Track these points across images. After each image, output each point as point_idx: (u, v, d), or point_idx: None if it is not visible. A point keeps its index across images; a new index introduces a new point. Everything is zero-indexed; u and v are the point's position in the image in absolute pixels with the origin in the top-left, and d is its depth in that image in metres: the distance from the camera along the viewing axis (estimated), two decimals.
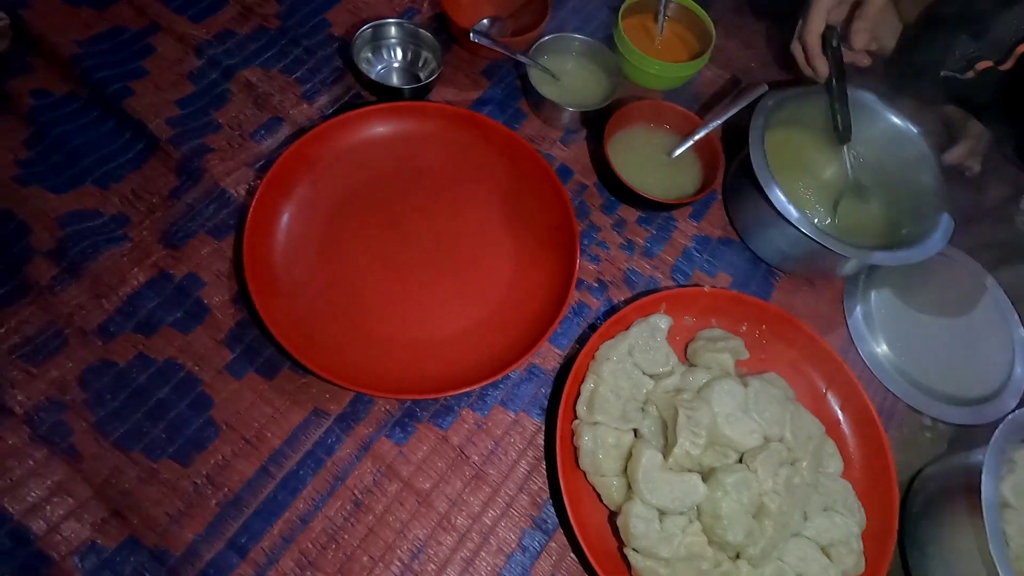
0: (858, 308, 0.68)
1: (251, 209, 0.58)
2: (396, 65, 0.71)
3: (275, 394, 0.55)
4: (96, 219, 0.58)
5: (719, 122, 0.66)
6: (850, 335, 0.67)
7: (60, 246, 0.56)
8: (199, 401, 0.54)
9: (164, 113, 0.64)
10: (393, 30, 0.70)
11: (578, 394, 0.56)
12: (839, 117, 0.66)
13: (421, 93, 0.68)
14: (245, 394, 0.55)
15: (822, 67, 0.66)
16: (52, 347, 0.53)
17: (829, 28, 0.66)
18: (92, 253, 0.57)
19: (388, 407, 0.56)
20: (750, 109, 0.66)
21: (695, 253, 0.68)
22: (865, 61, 0.67)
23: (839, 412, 0.61)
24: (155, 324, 0.56)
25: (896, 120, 0.68)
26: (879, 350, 0.66)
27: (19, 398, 0.51)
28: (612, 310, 0.63)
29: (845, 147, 0.67)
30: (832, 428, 0.59)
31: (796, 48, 0.70)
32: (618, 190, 0.66)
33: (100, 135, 0.63)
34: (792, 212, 0.60)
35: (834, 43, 0.66)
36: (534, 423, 0.58)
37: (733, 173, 0.68)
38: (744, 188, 0.65)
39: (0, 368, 0.51)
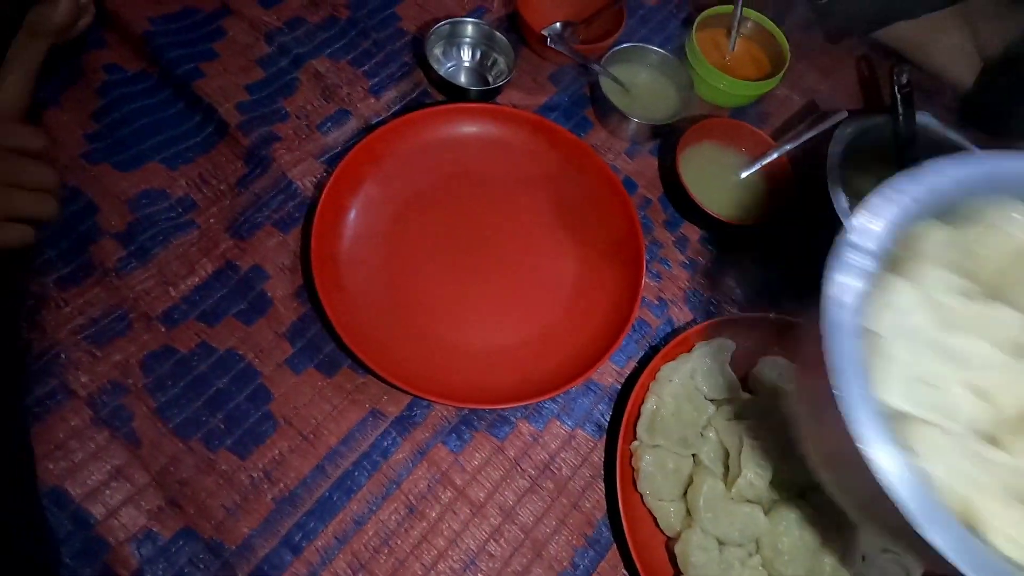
0: None
1: (319, 204, 0.56)
2: (466, 64, 0.70)
3: (334, 392, 0.54)
4: (163, 201, 0.57)
5: (792, 146, 0.65)
6: None
7: (129, 230, 0.55)
8: (258, 394, 0.53)
9: (234, 98, 0.63)
10: (469, 28, 0.68)
11: (638, 414, 0.55)
12: (903, 152, 0.64)
13: (490, 95, 0.67)
14: (304, 389, 0.54)
15: None
16: (116, 330, 0.52)
17: (897, 64, 0.64)
18: (162, 240, 0.55)
19: (446, 413, 0.55)
20: (826, 135, 0.64)
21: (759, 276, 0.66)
22: None
23: None
24: (219, 314, 0.54)
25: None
26: None
27: (82, 380, 0.50)
28: (674, 331, 0.62)
29: None
30: None
31: None
32: (684, 207, 0.65)
33: (169, 116, 0.61)
34: None
35: (903, 80, 0.64)
36: (590, 440, 0.56)
37: (804, 196, 0.66)
38: (815, 212, 0.63)
39: (65, 348, 0.50)
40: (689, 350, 0.58)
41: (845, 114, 0.64)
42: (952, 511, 0.33)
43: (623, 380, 0.59)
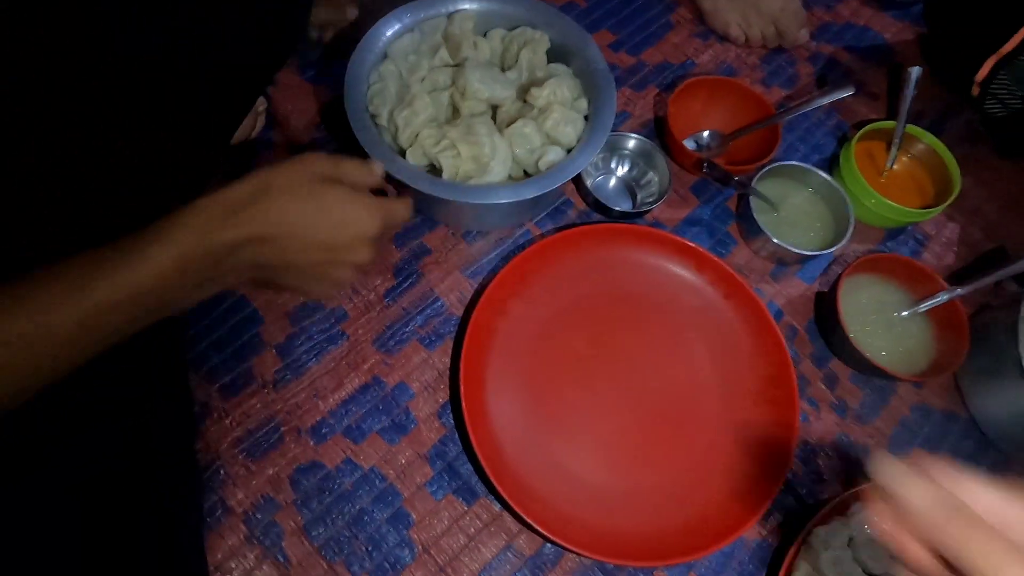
0: None
1: (469, 325, 0.54)
2: (619, 175, 0.66)
3: (471, 521, 0.52)
4: (318, 312, 0.57)
5: (967, 290, 0.57)
6: None
7: (288, 342, 0.56)
8: (399, 517, 0.51)
9: None
10: (631, 143, 0.65)
11: None
12: None
13: (641, 215, 0.63)
14: (443, 516, 0.52)
15: None
16: (269, 443, 0.52)
17: None
18: (316, 353, 0.55)
19: (581, 559, 0.52)
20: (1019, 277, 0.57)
21: (914, 425, 0.59)
22: None
23: None
24: (365, 431, 0.54)
25: None
26: None
27: (239, 496, 0.50)
28: (824, 488, 0.55)
29: None
30: None
31: None
32: (840, 346, 0.59)
33: None
34: None
35: None
36: None
37: (977, 346, 0.58)
38: (991, 369, 0.56)
39: (224, 462, 0.51)
40: (845, 512, 0.52)
41: None
42: None
43: (765, 535, 0.54)
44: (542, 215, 0.64)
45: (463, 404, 0.52)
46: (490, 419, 0.54)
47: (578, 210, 0.65)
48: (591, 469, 0.54)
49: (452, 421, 0.55)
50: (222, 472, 0.50)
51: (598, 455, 0.54)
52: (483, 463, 0.50)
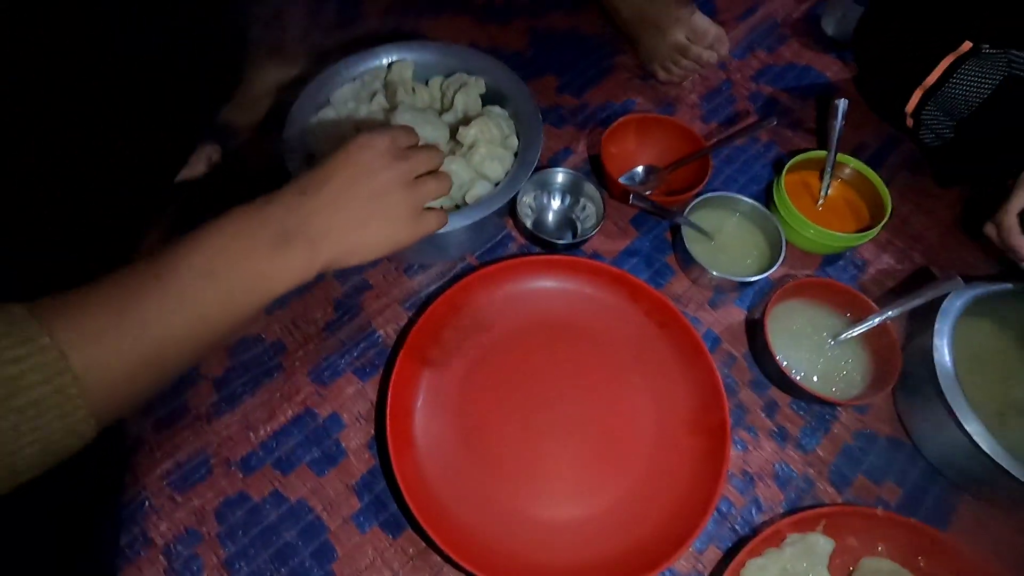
0: None
1: (399, 354, 0.54)
2: (555, 209, 0.68)
3: (396, 556, 0.50)
4: (258, 346, 0.58)
5: (897, 312, 0.56)
6: None
7: (226, 375, 0.56)
8: (323, 551, 0.50)
9: None
10: (560, 177, 0.66)
11: None
12: None
13: (576, 247, 0.64)
14: (367, 550, 0.50)
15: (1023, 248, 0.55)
16: (198, 476, 0.52)
17: None
18: (252, 386, 0.55)
19: None
20: (937, 300, 0.55)
21: (858, 452, 0.56)
22: None
23: None
24: (294, 462, 0.53)
25: None
26: None
27: (162, 528, 0.49)
28: (761, 519, 0.53)
29: None
30: None
31: (990, 229, 0.59)
32: (773, 373, 0.57)
33: None
34: (983, 435, 0.49)
35: None
36: None
37: (909, 370, 0.56)
38: (923, 390, 0.54)
39: (150, 494, 0.50)
40: (779, 544, 0.49)
41: (960, 282, 0.55)
42: None
43: (701, 569, 0.51)
44: (483, 249, 0.65)
45: (388, 435, 0.51)
46: (417, 450, 0.53)
47: (519, 244, 0.66)
48: (522, 502, 0.52)
49: (381, 452, 0.54)
50: (147, 504, 0.50)
51: (530, 487, 0.53)
52: (405, 495, 0.49)
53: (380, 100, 0.61)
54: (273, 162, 0.68)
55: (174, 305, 0.33)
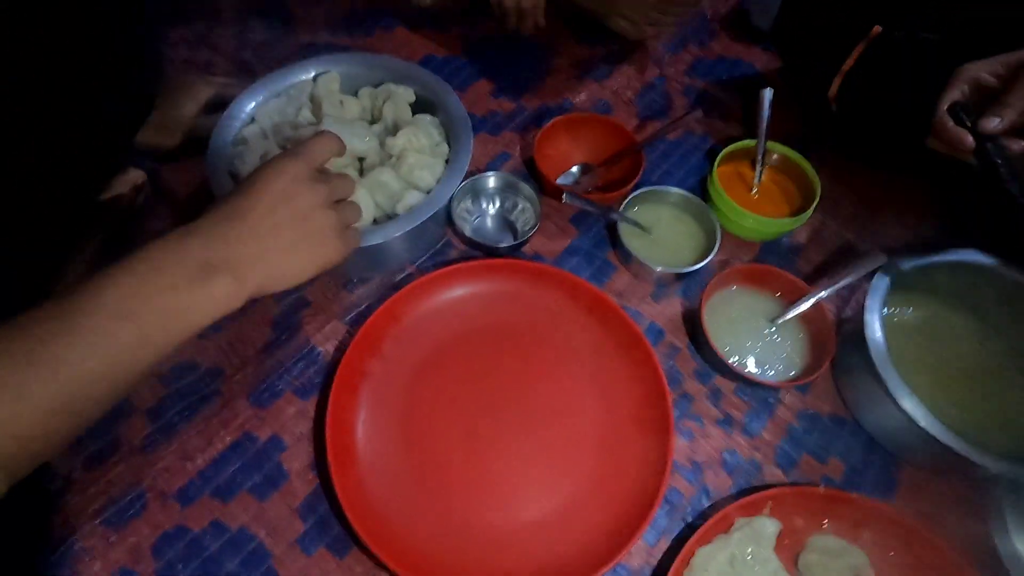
0: (1006, 509, 0.54)
1: (338, 370, 0.53)
2: (492, 213, 0.67)
3: None
4: (192, 373, 0.56)
5: (828, 292, 0.57)
6: (993, 539, 0.53)
7: (160, 405, 0.54)
8: None
9: None
10: (491, 180, 0.66)
11: None
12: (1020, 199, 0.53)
13: (516, 249, 0.63)
14: (313, 573, 0.49)
15: (964, 138, 0.52)
16: (133, 511, 0.49)
17: (961, 104, 0.54)
18: (188, 415, 0.54)
19: None
20: (869, 275, 0.56)
21: (801, 433, 0.57)
22: (1016, 147, 0.54)
23: None
24: (233, 489, 0.51)
25: None
26: None
27: (95, 569, 0.47)
28: (711, 504, 0.53)
29: None
30: None
31: (931, 141, 0.56)
32: (714, 361, 0.58)
33: None
34: (917, 409, 0.49)
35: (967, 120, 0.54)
36: None
37: (844, 347, 0.57)
38: (858, 369, 0.54)
39: (82, 535, 0.48)
40: (728, 529, 0.50)
41: (883, 258, 0.56)
42: None
43: (654, 563, 0.51)
44: (423, 258, 0.64)
45: (328, 453, 0.50)
46: (360, 466, 0.52)
47: (460, 251, 0.65)
48: (472, 510, 0.51)
49: (324, 471, 0.52)
50: (77, 546, 0.48)
51: (479, 494, 0.52)
52: (347, 513, 0.48)
53: (306, 114, 0.60)
54: (199, 185, 0.67)
55: (85, 350, 0.32)
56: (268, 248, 0.40)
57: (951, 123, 0.54)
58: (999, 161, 0.52)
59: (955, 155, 0.56)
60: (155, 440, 0.53)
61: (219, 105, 0.63)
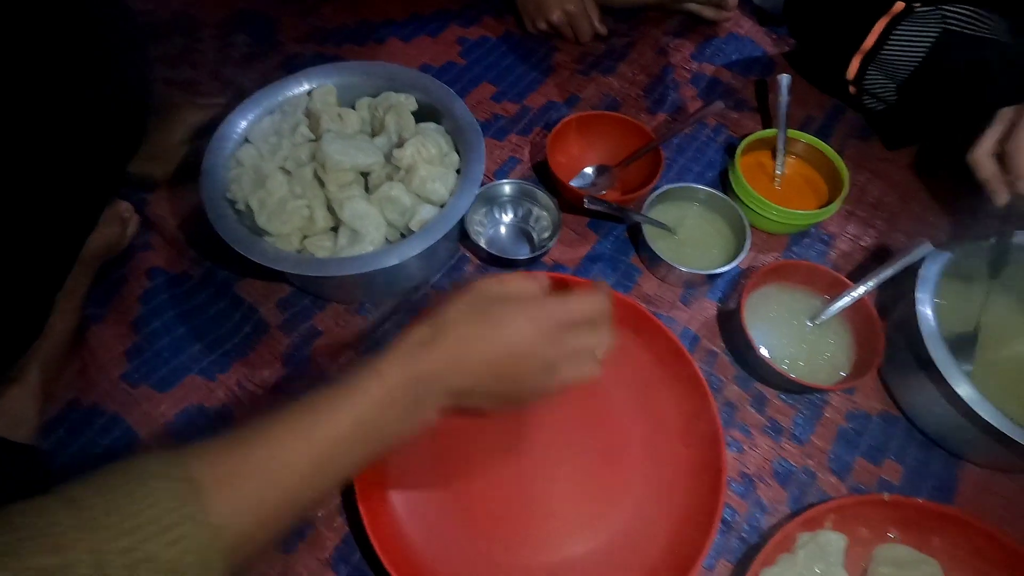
0: None
1: None
2: (507, 222, 0.63)
3: None
4: (201, 418, 0.52)
5: (871, 286, 0.54)
6: None
7: None
8: None
9: (275, 296, 0.58)
10: (507, 189, 0.62)
11: None
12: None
13: (535, 260, 0.60)
14: None
15: (1000, 191, 0.51)
16: None
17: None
18: None
19: None
20: (913, 266, 0.54)
21: (853, 435, 0.54)
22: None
23: None
24: None
25: None
26: None
27: None
28: (771, 525, 0.50)
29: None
30: None
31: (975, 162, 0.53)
32: (756, 366, 0.54)
33: (209, 319, 0.57)
34: (978, 401, 0.46)
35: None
36: None
37: (893, 341, 0.54)
38: (910, 364, 0.52)
39: None
40: (791, 548, 0.46)
41: (929, 246, 0.53)
42: None
43: None
44: (438, 276, 0.61)
45: (357, 497, 0.46)
46: (393, 509, 0.48)
47: (476, 266, 0.62)
48: (517, 548, 0.48)
49: (354, 516, 0.49)
50: None
51: (523, 531, 0.48)
52: (384, 560, 0.44)
53: (303, 131, 0.56)
54: (190, 212, 0.63)
55: (317, 477, 0.33)
56: (484, 390, 0.38)
57: (992, 170, 0.51)
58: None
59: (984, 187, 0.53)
60: None
61: (209, 129, 0.59)
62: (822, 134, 0.69)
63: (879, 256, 0.64)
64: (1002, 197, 0.51)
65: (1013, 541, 0.46)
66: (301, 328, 0.57)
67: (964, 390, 0.47)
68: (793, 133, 0.66)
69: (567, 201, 0.63)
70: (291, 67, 0.63)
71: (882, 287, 0.55)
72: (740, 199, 0.63)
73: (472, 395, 0.38)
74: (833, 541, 0.46)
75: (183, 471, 0.29)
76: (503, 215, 0.64)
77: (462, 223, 0.59)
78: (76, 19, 0.47)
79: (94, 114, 0.48)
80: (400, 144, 0.55)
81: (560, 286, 0.56)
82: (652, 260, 0.60)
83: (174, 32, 0.77)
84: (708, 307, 0.60)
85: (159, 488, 0.28)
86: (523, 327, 0.37)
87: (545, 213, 0.62)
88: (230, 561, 0.29)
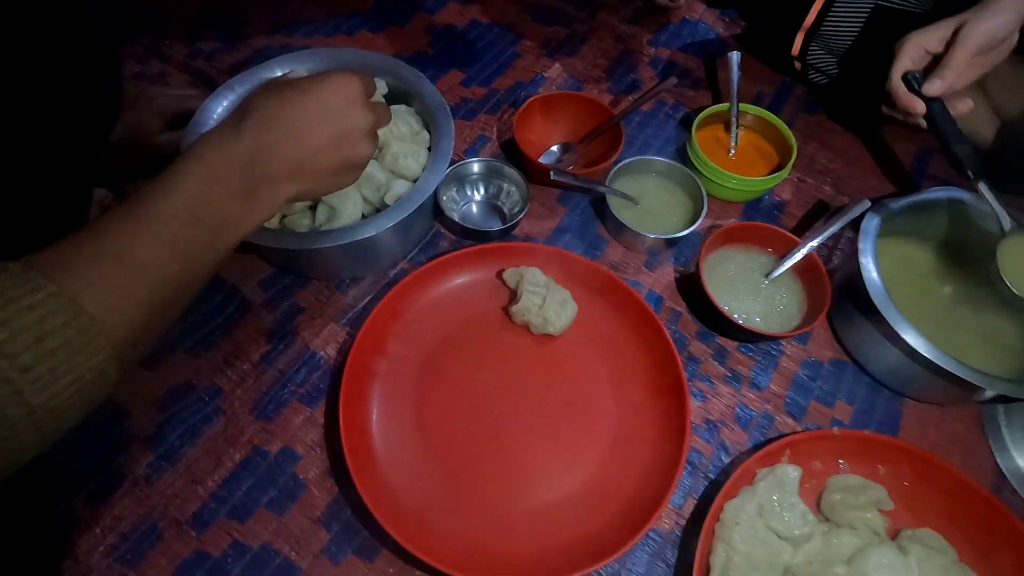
0: (1002, 426, 0.57)
1: (344, 373, 0.52)
2: (478, 199, 0.67)
3: None
4: (189, 395, 0.54)
5: (818, 241, 0.58)
6: (995, 458, 0.56)
7: (159, 431, 0.51)
8: None
9: (257, 276, 0.60)
10: (475, 167, 0.65)
11: (707, 568, 0.47)
12: (964, 160, 0.56)
13: (507, 232, 0.63)
14: None
15: (915, 104, 0.57)
16: (147, 543, 0.47)
17: (912, 73, 0.58)
18: (191, 437, 0.51)
19: None
20: (853, 223, 0.58)
21: (807, 380, 0.59)
22: (962, 107, 0.58)
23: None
24: (250, 507, 0.49)
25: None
26: None
27: None
28: (732, 462, 0.54)
29: (987, 191, 0.55)
30: None
31: (885, 108, 0.61)
32: (715, 320, 0.58)
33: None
34: (920, 342, 0.51)
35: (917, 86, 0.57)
36: None
37: (839, 292, 0.59)
38: (856, 312, 0.56)
39: (98, 575, 0.46)
40: (751, 481, 0.50)
41: (867, 203, 0.58)
42: None
43: (683, 523, 0.51)
44: (413, 252, 0.63)
45: (346, 457, 0.48)
46: (380, 467, 0.51)
47: (450, 240, 0.65)
48: (498, 496, 0.51)
49: (343, 476, 0.51)
50: None
51: (502, 480, 0.51)
52: (375, 514, 0.46)
53: None
54: None
55: (168, 252, 0.34)
56: (309, 165, 0.40)
57: (904, 91, 0.57)
58: (945, 126, 0.55)
59: (909, 121, 0.59)
60: (160, 467, 0.50)
61: (182, 119, 0.61)
62: (773, 108, 0.73)
63: (826, 217, 0.69)
64: (919, 108, 0.57)
65: (949, 465, 0.50)
66: (284, 306, 0.59)
67: (910, 336, 0.52)
68: (744, 106, 0.70)
69: (535, 176, 0.67)
70: (261, 60, 0.65)
71: (829, 243, 0.59)
72: (698, 170, 0.67)
73: (304, 168, 0.40)
74: (789, 472, 0.50)
75: (22, 263, 0.30)
76: (475, 192, 0.67)
77: (435, 200, 0.62)
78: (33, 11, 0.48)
79: (62, 107, 0.49)
80: None
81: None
82: (617, 229, 0.64)
83: (143, 29, 0.78)
84: (671, 271, 0.64)
85: (15, 272, 0.29)
86: (326, 90, 0.41)
87: (514, 188, 0.65)
88: (108, 333, 0.30)
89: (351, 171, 0.44)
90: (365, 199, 0.56)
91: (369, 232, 0.51)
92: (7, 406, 0.27)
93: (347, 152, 0.42)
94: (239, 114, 0.39)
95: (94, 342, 0.30)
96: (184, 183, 0.36)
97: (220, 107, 0.58)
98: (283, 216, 0.56)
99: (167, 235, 0.34)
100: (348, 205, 0.54)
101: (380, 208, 0.56)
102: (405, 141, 0.57)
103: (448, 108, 0.59)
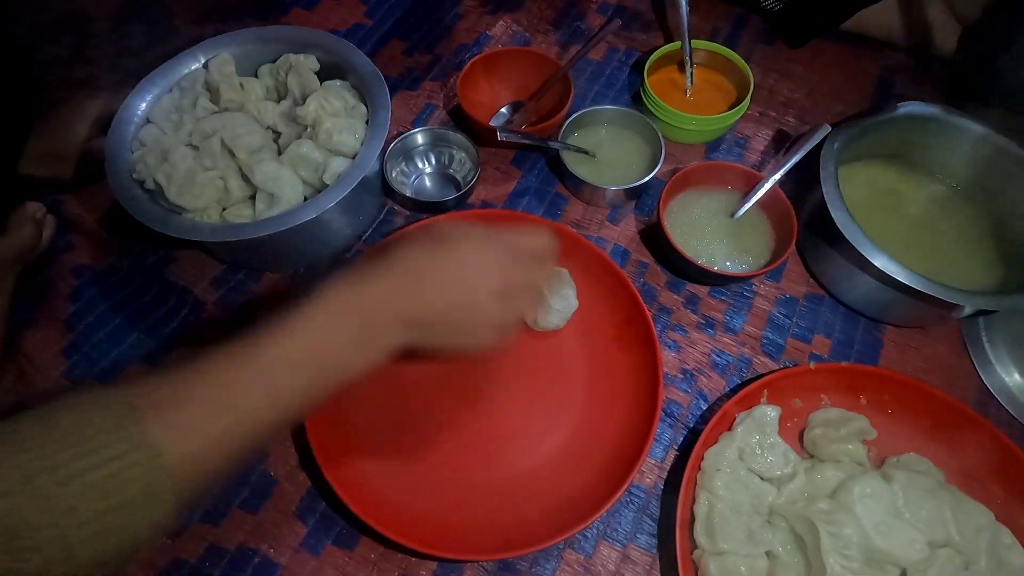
0: (985, 343, 0.56)
1: None
2: (429, 171, 0.64)
3: (359, 567, 0.47)
4: None
5: (780, 174, 0.56)
6: (979, 376, 0.55)
7: None
8: None
9: (208, 275, 0.58)
10: (419, 137, 0.63)
11: (692, 517, 0.46)
12: None
13: (463, 200, 0.61)
14: (327, 572, 0.47)
15: None
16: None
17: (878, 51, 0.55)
18: None
19: (481, 565, 0.47)
20: (816, 151, 0.56)
21: (783, 318, 0.57)
22: None
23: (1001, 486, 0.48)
24: (223, 508, 0.48)
25: (983, 131, 0.56)
26: (1012, 381, 0.54)
27: None
28: (709, 409, 0.53)
29: None
30: (1000, 507, 0.47)
31: None
32: (683, 267, 0.57)
33: (144, 304, 0.57)
34: (891, 266, 0.49)
35: None
36: (647, 555, 0.47)
37: (808, 224, 0.57)
38: (825, 243, 0.54)
39: None
40: (730, 426, 0.49)
41: (827, 128, 0.55)
42: None
43: (665, 475, 0.50)
44: (368, 232, 0.61)
45: (312, 448, 0.47)
46: (351, 453, 0.49)
47: (404, 216, 0.62)
48: (476, 469, 0.50)
49: (314, 468, 0.50)
50: None
51: (479, 453, 0.50)
52: (346, 501, 0.45)
53: (204, 104, 0.56)
54: (109, 208, 0.62)
55: (265, 400, 0.32)
56: (437, 319, 0.37)
57: None
58: None
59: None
60: None
61: (111, 122, 0.58)
62: (729, 43, 0.70)
63: (788, 148, 0.66)
64: None
65: (931, 387, 0.49)
66: (238, 302, 0.57)
67: (881, 261, 0.50)
68: (697, 43, 0.67)
69: (486, 140, 0.64)
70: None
71: (792, 175, 0.57)
72: (656, 115, 0.64)
73: (424, 327, 0.36)
74: (767, 412, 0.49)
75: (120, 398, 0.29)
76: (425, 164, 0.64)
77: (384, 177, 0.60)
78: None
79: None
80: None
81: (510, 221, 0.58)
82: (576, 185, 0.61)
83: (64, 31, 0.75)
84: (634, 223, 0.62)
85: (93, 412, 0.28)
86: (473, 254, 0.37)
87: (464, 155, 0.63)
88: (178, 487, 0.29)
89: (477, 337, 0.38)
90: (304, 181, 0.53)
91: (310, 214, 0.49)
92: (52, 551, 0.26)
93: (479, 316, 0.37)
94: (380, 262, 0.36)
95: (160, 498, 0.29)
96: (296, 328, 0.33)
97: (143, 103, 0.56)
98: (223, 208, 0.54)
99: (267, 382, 0.32)
100: (287, 189, 0.52)
101: (321, 189, 0.54)
102: (339, 116, 0.54)
103: (383, 78, 0.56)
